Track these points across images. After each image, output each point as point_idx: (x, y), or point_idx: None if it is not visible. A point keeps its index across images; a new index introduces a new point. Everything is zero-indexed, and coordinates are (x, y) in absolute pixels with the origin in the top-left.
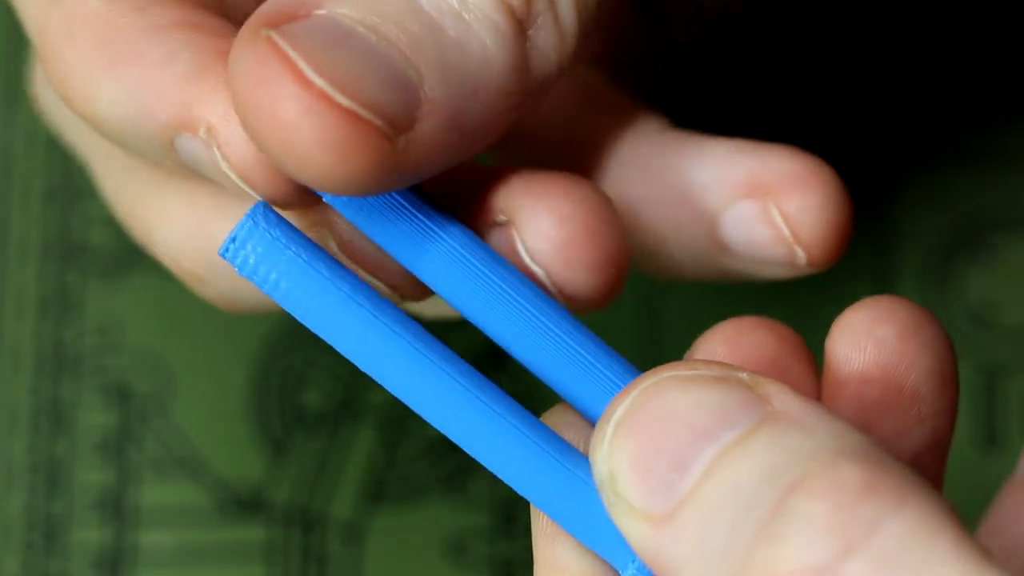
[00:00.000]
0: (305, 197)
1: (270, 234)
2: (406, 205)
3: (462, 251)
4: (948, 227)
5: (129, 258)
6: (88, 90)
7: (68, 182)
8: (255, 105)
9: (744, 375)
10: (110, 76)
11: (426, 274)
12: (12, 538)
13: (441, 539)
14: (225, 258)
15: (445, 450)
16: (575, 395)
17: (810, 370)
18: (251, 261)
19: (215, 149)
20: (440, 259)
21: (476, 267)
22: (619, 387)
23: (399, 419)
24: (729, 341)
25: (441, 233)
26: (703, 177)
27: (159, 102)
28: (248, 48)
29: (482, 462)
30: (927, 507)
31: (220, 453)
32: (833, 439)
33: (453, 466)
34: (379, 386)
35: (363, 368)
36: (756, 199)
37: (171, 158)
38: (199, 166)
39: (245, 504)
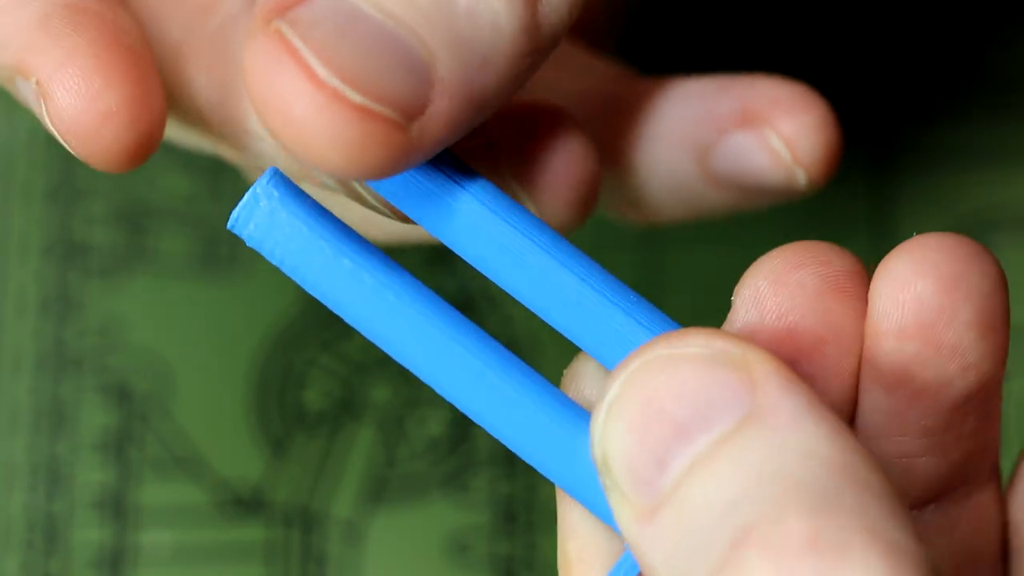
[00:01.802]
0: (130, 162)
1: (273, 209)
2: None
3: (480, 204)
4: (948, 227)
5: (129, 258)
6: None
7: (69, 182)
8: (267, 100)
9: (737, 351)
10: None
11: (436, 226)
12: (12, 538)
13: (441, 538)
14: (233, 231)
15: (445, 449)
16: (597, 347)
17: (857, 310)
18: (256, 236)
19: (41, 104)
20: (456, 214)
21: (497, 218)
22: (642, 337)
23: (399, 419)
24: (773, 278)
25: (457, 188)
26: (690, 114)
27: (4, 41)
28: (259, 41)
29: (487, 427)
30: (872, 562)
31: (220, 453)
32: (802, 457)
33: (453, 465)
34: (380, 385)
35: (372, 339)
36: (751, 128)
37: (14, 93)
38: (32, 109)
39: (245, 504)
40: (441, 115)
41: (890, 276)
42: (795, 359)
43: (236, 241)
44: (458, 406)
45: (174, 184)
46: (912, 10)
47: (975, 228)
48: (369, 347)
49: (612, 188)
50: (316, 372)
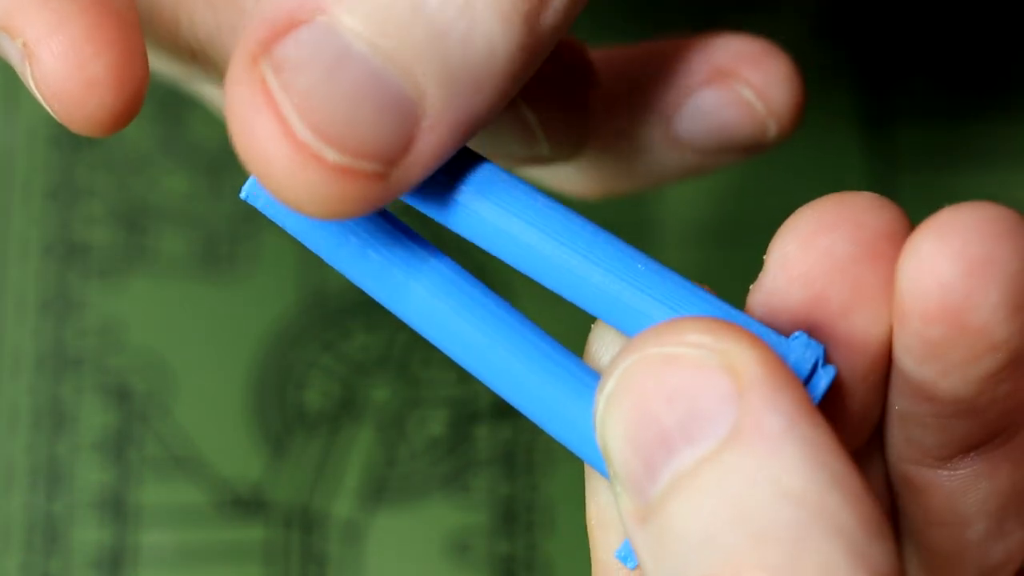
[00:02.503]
0: (112, 127)
1: None
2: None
3: (485, 199)
4: None
5: (129, 258)
6: None
7: (69, 182)
8: (246, 146)
9: (731, 351)
10: None
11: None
12: (12, 538)
13: (441, 538)
14: (248, 201)
15: (445, 449)
16: (613, 318)
17: (889, 275)
18: (268, 209)
19: (27, 65)
20: (461, 209)
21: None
22: (655, 309)
23: (399, 419)
24: (802, 241)
25: (459, 183)
26: (650, 78)
27: None
28: (242, 81)
29: (501, 391)
30: None
31: (220, 453)
32: (775, 497)
33: (453, 465)
34: (380, 385)
35: (387, 308)
36: (720, 84)
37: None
38: (15, 67)
39: (245, 504)
40: (426, 151)
41: (915, 257)
42: (821, 327)
43: (236, 241)
44: (471, 371)
45: (174, 184)
46: (913, 8)
47: None
48: (369, 347)
49: (569, 159)
50: (316, 372)
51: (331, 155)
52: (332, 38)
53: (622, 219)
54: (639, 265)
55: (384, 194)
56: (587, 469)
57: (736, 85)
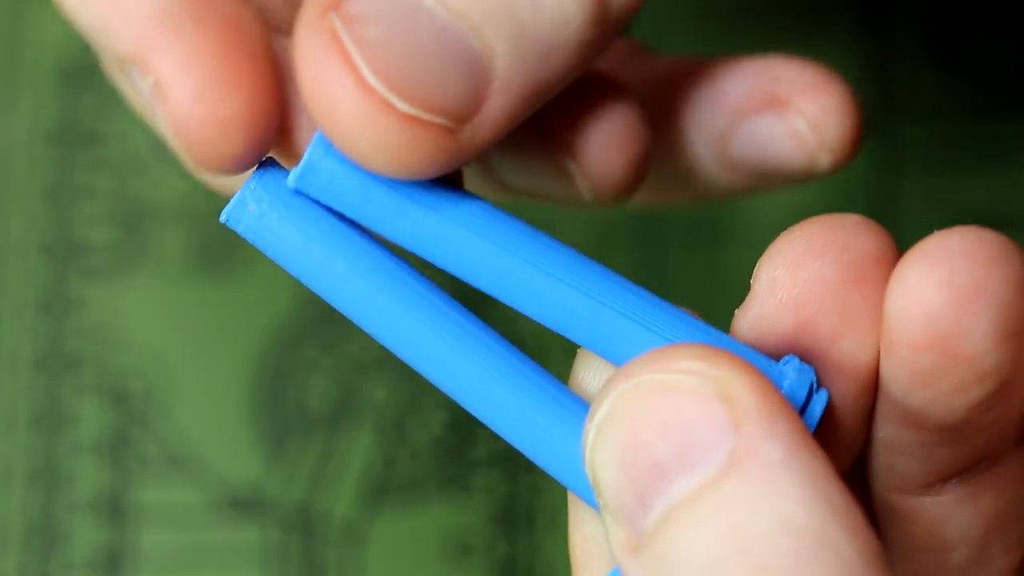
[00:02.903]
0: (242, 167)
1: (262, 213)
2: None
3: (460, 227)
4: (949, 226)
5: (129, 258)
6: None
7: (68, 182)
8: (315, 98)
9: (725, 379)
10: None
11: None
12: (11, 538)
13: (441, 540)
14: (228, 225)
15: (445, 450)
16: (599, 347)
17: (878, 301)
18: (248, 234)
19: (157, 102)
20: (441, 239)
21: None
22: (643, 337)
23: (399, 420)
24: (791, 265)
25: (431, 211)
26: (706, 97)
27: (121, 29)
28: (312, 36)
29: (486, 420)
30: None
31: (220, 453)
32: (775, 528)
33: (453, 466)
34: (380, 386)
35: (370, 334)
36: (774, 112)
37: (118, 79)
38: (142, 100)
39: (245, 504)
40: (495, 114)
41: (903, 286)
42: (809, 353)
43: (236, 241)
44: (458, 401)
45: (174, 184)
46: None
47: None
48: (369, 347)
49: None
50: (316, 373)
51: (401, 104)
52: None
53: (622, 221)
54: (629, 294)
55: (454, 152)
56: (571, 498)
57: (790, 115)
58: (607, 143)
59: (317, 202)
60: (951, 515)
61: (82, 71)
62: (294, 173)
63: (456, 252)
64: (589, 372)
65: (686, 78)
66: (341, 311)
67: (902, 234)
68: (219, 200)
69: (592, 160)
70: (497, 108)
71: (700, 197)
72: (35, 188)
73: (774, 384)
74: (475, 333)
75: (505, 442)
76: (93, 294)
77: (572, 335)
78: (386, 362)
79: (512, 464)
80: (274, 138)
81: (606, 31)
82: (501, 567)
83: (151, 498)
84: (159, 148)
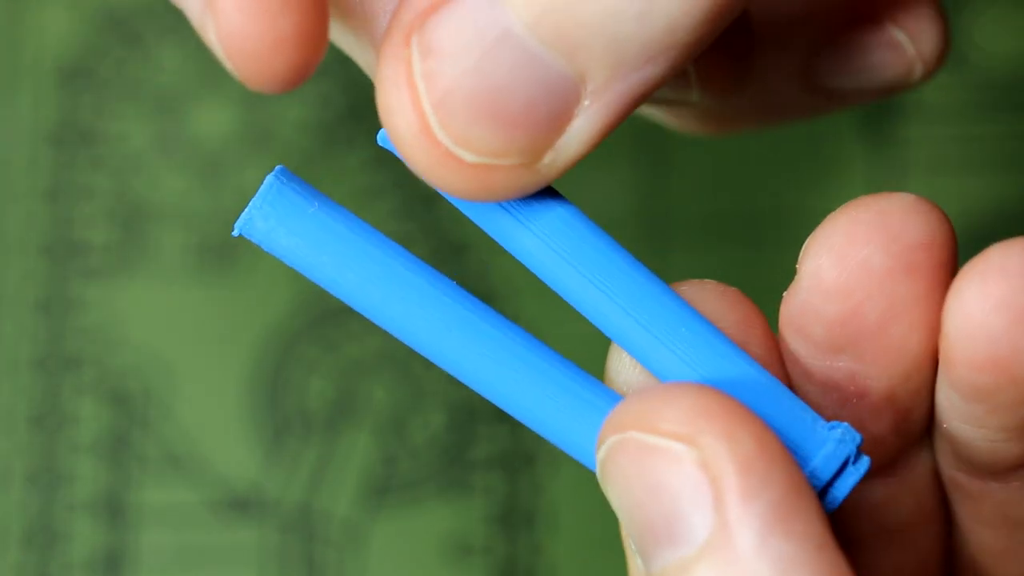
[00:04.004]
0: (289, 85)
1: (270, 229)
2: None
3: (534, 235)
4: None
5: (128, 258)
6: None
7: (69, 182)
8: (390, 125)
9: (708, 444)
10: None
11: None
12: (11, 538)
13: (441, 540)
14: (243, 235)
15: (445, 451)
16: (630, 349)
17: (929, 287)
18: (261, 245)
19: (207, 18)
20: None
21: (550, 249)
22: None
23: (399, 419)
24: (836, 254)
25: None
26: (793, 12)
27: None
28: (389, 63)
29: (511, 410)
30: None
31: (219, 454)
32: None
33: (453, 467)
34: (380, 386)
35: (390, 332)
36: (870, 25)
37: None
38: (191, 18)
39: (244, 505)
40: (582, 134)
41: (961, 304)
42: (857, 340)
43: (235, 241)
44: (482, 392)
45: (173, 184)
46: None
47: (976, 227)
48: (369, 347)
49: (718, 105)
50: (316, 373)
51: (468, 156)
52: (492, 15)
53: (632, 216)
54: (682, 328)
55: (533, 181)
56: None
57: (888, 26)
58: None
59: (326, 212)
60: (1020, 499)
61: (82, 71)
62: (382, 133)
63: (518, 250)
64: (622, 367)
65: None
66: (361, 314)
67: None
68: (219, 200)
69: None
70: (584, 129)
71: (776, 121)
72: (35, 188)
73: (769, 443)
74: (493, 328)
75: (505, 443)
76: (93, 294)
77: (611, 334)
78: (386, 362)
79: (512, 464)
80: (321, 57)
81: (722, 23)
82: (501, 567)
83: (150, 498)
84: (159, 148)
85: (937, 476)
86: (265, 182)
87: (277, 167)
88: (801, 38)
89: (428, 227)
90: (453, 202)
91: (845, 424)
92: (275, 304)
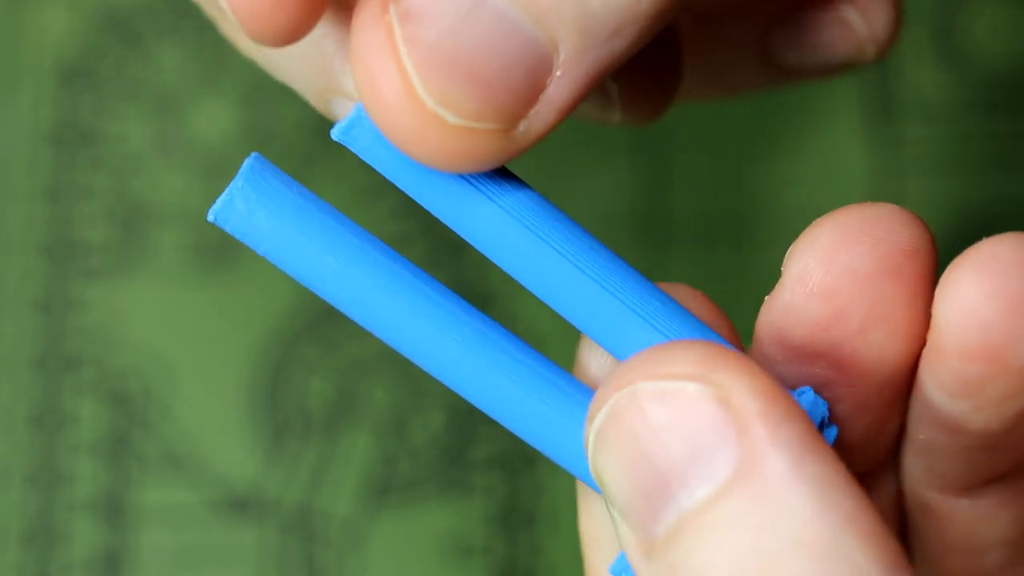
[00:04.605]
0: (291, 40)
1: (251, 210)
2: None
3: (499, 208)
4: (954, 224)
5: (128, 258)
6: None
7: (68, 182)
8: (366, 93)
9: (725, 383)
10: None
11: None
12: (10, 538)
13: (441, 540)
14: (215, 223)
15: (445, 450)
16: (602, 332)
17: (911, 293)
18: (238, 231)
19: None
20: (476, 215)
21: (515, 221)
22: (651, 330)
23: (399, 419)
24: (823, 256)
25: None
26: None
27: None
28: (369, 30)
29: (490, 411)
30: None
31: (219, 454)
32: (790, 546)
33: (453, 466)
34: (380, 386)
35: (366, 328)
36: (823, 3)
37: None
38: None
39: (244, 505)
40: (553, 104)
41: (954, 293)
42: (837, 345)
43: (235, 241)
44: (459, 392)
45: (173, 183)
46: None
47: (977, 228)
48: (369, 347)
49: (643, 123)
50: (315, 373)
51: (451, 117)
52: None
53: (630, 216)
54: (637, 285)
55: (509, 148)
56: (579, 483)
57: (841, 5)
58: (640, 77)
59: (305, 199)
60: (989, 519)
61: (81, 71)
62: (339, 126)
63: (485, 228)
64: (592, 357)
65: None
66: (337, 307)
67: None
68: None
69: (629, 92)
70: (556, 98)
71: (727, 94)
72: (35, 188)
73: (777, 383)
74: (473, 324)
75: (505, 443)
76: (93, 294)
77: (575, 319)
78: (386, 362)
79: (512, 464)
80: (323, 12)
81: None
82: (501, 567)
83: (150, 498)
84: (159, 148)
85: (899, 505)
86: (244, 165)
87: (253, 153)
88: (756, 15)
89: (427, 227)
90: (435, 211)
91: (809, 389)
92: (275, 304)
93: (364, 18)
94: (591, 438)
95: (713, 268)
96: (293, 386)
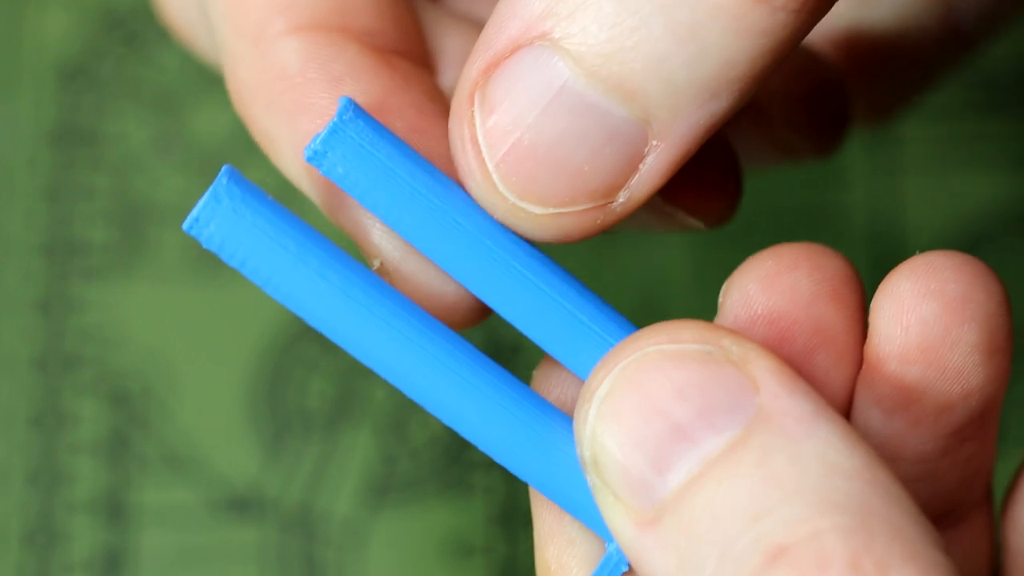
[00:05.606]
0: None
1: (236, 208)
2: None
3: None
4: (950, 226)
5: (129, 258)
6: (269, 137)
7: (68, 182)
8: (465, 184)
9: (734, 347)
10: (287, 126)
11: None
12: (10, 538)
13: (441, 540)
14: (190, 233)
15: (445, 450)
16: (563, 350)
17: (851, 319)
18: (217, 236)
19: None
20: (426, 216)
21: (454, 221)
22: (607, 342)
23: (399, 419)
24: (764, 280)
25: (430, 192)
26: None
27: None
28: (456, 123)
29: (458, 428)
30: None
31: (219, 454)
32: (825, 472)
33: (453, 466)
34: (380, 386)
35: (336, 342)
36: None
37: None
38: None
39: (244, 505)
40: (655, 169)
41: (894, 296)
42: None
43: None
44: (428, 408)
45: (173, 183)
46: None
47: (977, 228)
48: None
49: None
50: (315, 372)
51: (536, 209)
52: (548, 70)
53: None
54: (596, 309)
55: (608, 219)
56: (537, 513)
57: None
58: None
59: (278, 214)
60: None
61: (82, 71)
62: (318, 136)
63: (456, 250)
64: (548, 382)
65: None
66: (307, 318)
67: (903, 235)
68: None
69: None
70: (656, 164)
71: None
72: (35, 188)
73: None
74: (444, 339)
75: None
76: (93, 294)
77: (541, 340)
78: None
79: None
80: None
81: (786, 47)
82: (501, 567)
83: (150, 498)
84: (158, 147)
85: None
86: (221, 175)
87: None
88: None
89: None
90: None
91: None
92: (275, 304)
93: (455, 106)
94: (591, 411)
95: (713, 267)
96: (293, 386)
